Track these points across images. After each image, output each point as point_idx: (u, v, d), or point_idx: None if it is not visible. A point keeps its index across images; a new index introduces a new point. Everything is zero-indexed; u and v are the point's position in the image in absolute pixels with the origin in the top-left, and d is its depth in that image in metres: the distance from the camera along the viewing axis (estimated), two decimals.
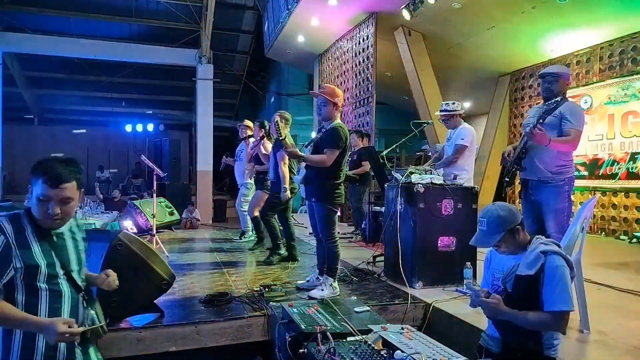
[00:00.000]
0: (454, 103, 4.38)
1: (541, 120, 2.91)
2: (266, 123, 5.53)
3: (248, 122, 6.29)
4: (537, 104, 3.47)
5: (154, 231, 5.52)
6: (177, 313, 3.06)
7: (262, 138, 5.49)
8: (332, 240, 3.50)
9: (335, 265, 3.52)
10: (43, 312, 1.64)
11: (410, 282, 3.66)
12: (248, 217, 6.18)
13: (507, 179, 3.23)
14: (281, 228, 5.00)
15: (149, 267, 3.05)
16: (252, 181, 6.03)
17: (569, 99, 3.12)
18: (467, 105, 11.68)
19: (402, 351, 1.85)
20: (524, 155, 3.06)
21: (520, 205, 3.27)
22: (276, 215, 4.99)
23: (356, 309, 2.70)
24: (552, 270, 1.92)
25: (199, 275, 4.40)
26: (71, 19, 12.21)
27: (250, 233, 6.37)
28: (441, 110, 4.40)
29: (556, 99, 3.02)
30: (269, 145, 5.30)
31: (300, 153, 3.52)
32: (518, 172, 3.16)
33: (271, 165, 4.90)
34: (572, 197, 3.09)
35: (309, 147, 3.64)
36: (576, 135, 2.93)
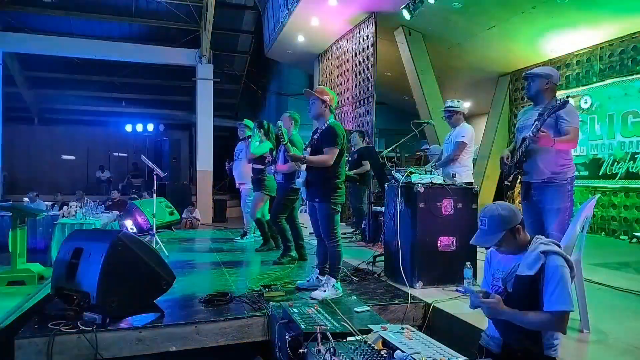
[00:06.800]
0: (458, 101, 4.56)
1: (539, 126, 2.91)
2: (265, 123, 5.49)
3: (248, 122, 6.28)
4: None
5: (154, 231, 5.53)
6: (177, 313, 3.06)
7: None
8: (335, 240, 3.50)
9: (337, 266, 3.51)
10: None
11: (410, 282, 3.66)
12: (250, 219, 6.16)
13: (508, 183, 3.20)
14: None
15: (149, 267, 3.05)
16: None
17: (560, 99, 3.08)
18: (467, 105, 11.66)
19: (402, 351, 1.85)
20: (525, 159, 3.06)
21: (521, 205, 3.26)
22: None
23: (356, 309, 2.71)
24: (552, 271, 1.92)
25: (199, 275, 4.40)
26: (71, 19, 12.21)
27: (252, 234, 6.36)
28: (446, 106, 4.53)
29: (549, 104, 3.00)
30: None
31: (301, 156, 3.52)
32: (520, 176, 3.15)
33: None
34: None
35: (307, 149, 3.64)
36: (575, 133, 2.96)
